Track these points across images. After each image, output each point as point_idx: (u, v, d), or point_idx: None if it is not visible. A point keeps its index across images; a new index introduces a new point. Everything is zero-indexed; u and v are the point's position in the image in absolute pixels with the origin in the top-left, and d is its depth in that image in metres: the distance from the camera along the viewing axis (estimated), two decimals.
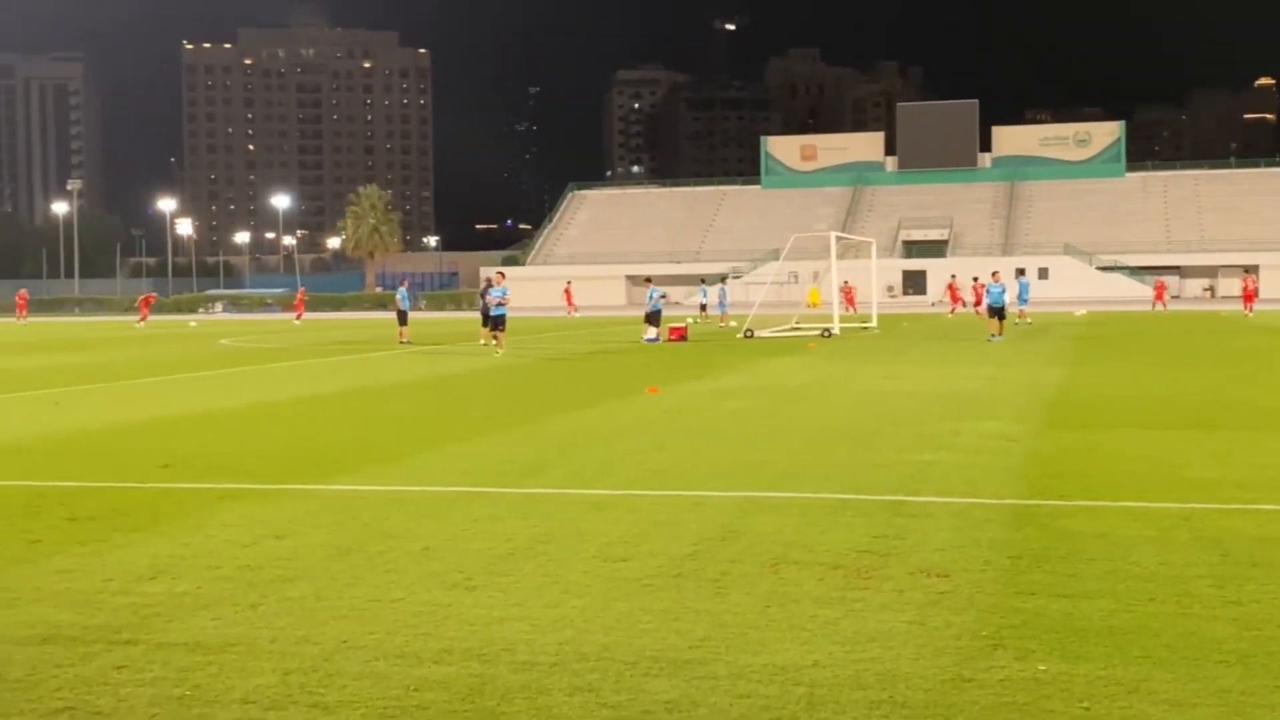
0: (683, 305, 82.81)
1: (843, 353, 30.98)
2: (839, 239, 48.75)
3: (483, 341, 33.49)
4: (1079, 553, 8.04)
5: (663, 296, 39.03)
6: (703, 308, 59.49)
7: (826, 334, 38.82)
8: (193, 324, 68.26)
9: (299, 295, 75.12)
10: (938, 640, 6.19)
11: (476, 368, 27.51)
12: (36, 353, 37.39)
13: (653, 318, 37.93)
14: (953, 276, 66.59)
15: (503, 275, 35.77)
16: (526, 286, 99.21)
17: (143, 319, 64.27)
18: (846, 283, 55.96)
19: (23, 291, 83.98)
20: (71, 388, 22.98)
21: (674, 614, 6.70)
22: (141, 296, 70.24)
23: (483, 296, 37.73)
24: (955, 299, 62.06)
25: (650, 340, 37.05)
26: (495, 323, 32.97)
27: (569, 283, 77.84)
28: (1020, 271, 71.67)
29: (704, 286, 61.25)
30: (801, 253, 65.53)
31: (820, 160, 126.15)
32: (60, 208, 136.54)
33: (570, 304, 72.00)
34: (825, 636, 6.27)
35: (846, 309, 52.36)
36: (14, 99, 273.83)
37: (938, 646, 6.09)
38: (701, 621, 6.55)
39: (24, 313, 78.89)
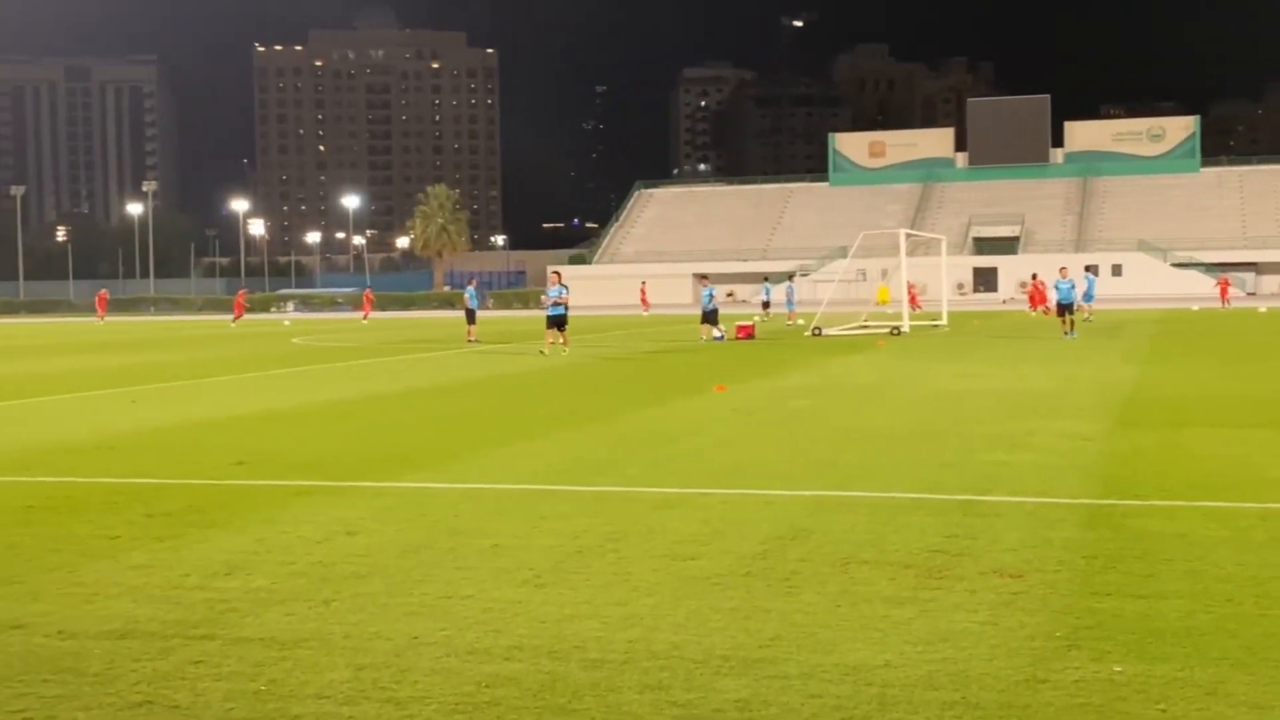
0: (750, 303, 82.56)
1: (912, 351, 30.77)
2: (908, 236, 48.40)
3: (542, 350, 31.55)
4: (1155, 553, 7.93)
5: (729, 295, 38.93)
6: (765, 305, 59.02)
7: (896, 332, 38.57)
8: (286, 323, 68.85)
9: (365, 295, 75.71)
10: (1011, 641, 6.13)
11: (543, 366, 27.61)
12: (115, 352, 38.01)
13: (710, 316, 37.61)
14: (1034, 275, 65.34)
15: (559, 275, 35.29)
16: (593, 285, 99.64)
17: (236, 318, 65.22)
18: (910, 285, 55.46)
19: (103, 292, 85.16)
20: (148, 386, 23.34)
21: (744, 612, 6.69)
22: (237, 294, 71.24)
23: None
24: (1040, 299, 60.16)
25: (716, 339, 37.01)
26: (556, 322, 32.06)
27: (644, 282, 77.72)
28: (1089, 269, 70.73)
29: (766, 284, 60.88)
30: (870, 250, 65.25)
31: (889, 157, 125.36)
32: (135, 209, 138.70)
33: (645, 303, 71.89)
34: (897, 636, 6.23)
35: (911, 308, 51.83)
36: (90, 101, 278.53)
37: (1011, 647, 6.03)
38: (772, 620, 6.53)
39: (104, 313, 79.96)
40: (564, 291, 32.71)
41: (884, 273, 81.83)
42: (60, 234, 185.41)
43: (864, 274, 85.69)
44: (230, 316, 67.62)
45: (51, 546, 8.65)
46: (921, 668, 5.73)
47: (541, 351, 31.22)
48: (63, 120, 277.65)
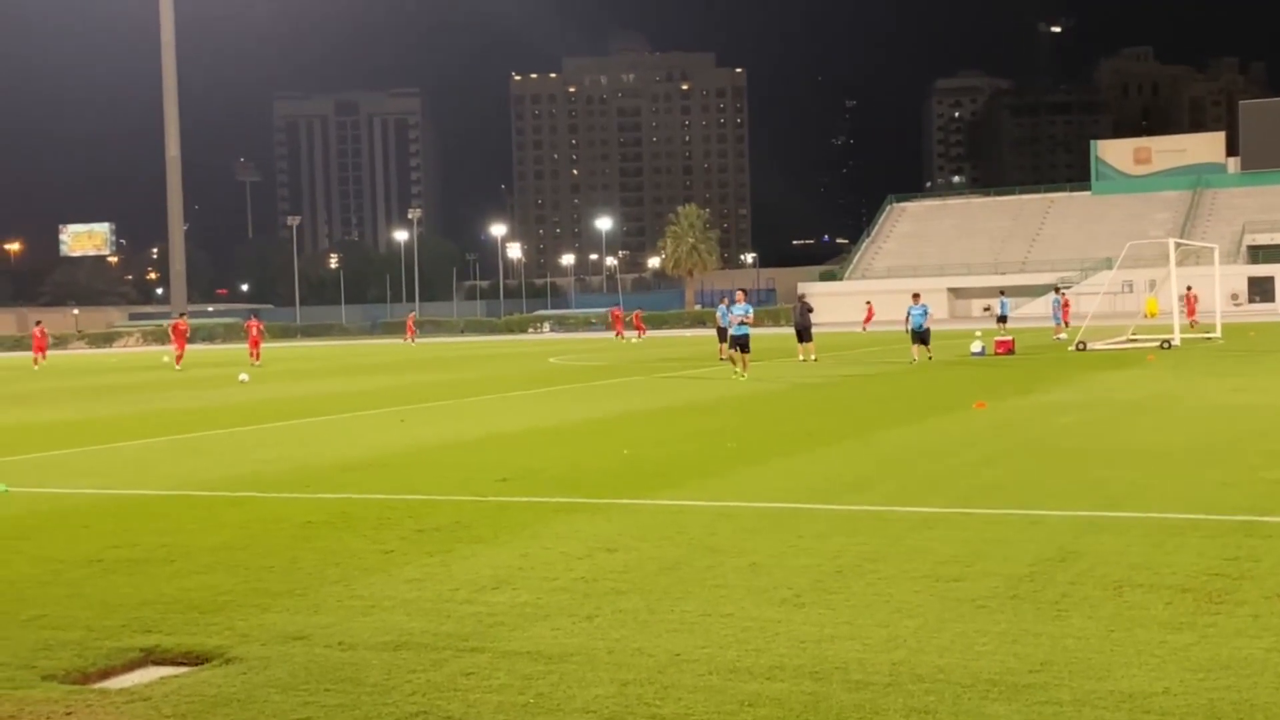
0: (1011, 318, 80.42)
1: (1184, 365, 29.45)
2: (1177, 245, 46.36)
3: (723, 358, 29.45)
4: None
5: (985, 309, 36.95)
6: (1001, 320, 56.74)
7: (1166, 345, 36.99)
8: (632, 337, 70.29)
9: (635, 316, 76.38)
10: None
11: (795, 383, 27.50)
12: (383, 373, 39.66)
13: (920, 336, 33.79)
14: None
15: (744, 293, 32.15)
16: (844, 301, 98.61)
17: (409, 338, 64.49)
18: (1190, 289, 52.67)
19: (412, 314, 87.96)
20: (415, 406, 24.26)
21: (1012, 636, 6.51)
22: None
23: (797, 314, 37.62)
24: None
25: (976, 354, 36.19)
26: (738, 343, 29.45)
27: (868, 302, 76.69)
28: None
29: (1003, 299, 58.62)
30: (1136, 260, 62.77)
31: (1155, 163, 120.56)
32: (402, 235, 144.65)
33: (868, 318, 71.40)
34: (1175, 663, 5.96)
35: (1187, 320, 49.29)
36: (360, 133, 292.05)
37: None
38: (1041, 645, 6.33)
39: (412, 335, 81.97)
40: (749, 310, 30.40)
41: (1151, 284, 78.62)
42: (333, 261, 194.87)
43: (1130, 285, 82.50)
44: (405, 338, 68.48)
45: (331, 561, 9.06)
46: (1202, 696, 5.47)
47: (736, 374, 28.74)
48: (334, 152, 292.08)
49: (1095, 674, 5.84)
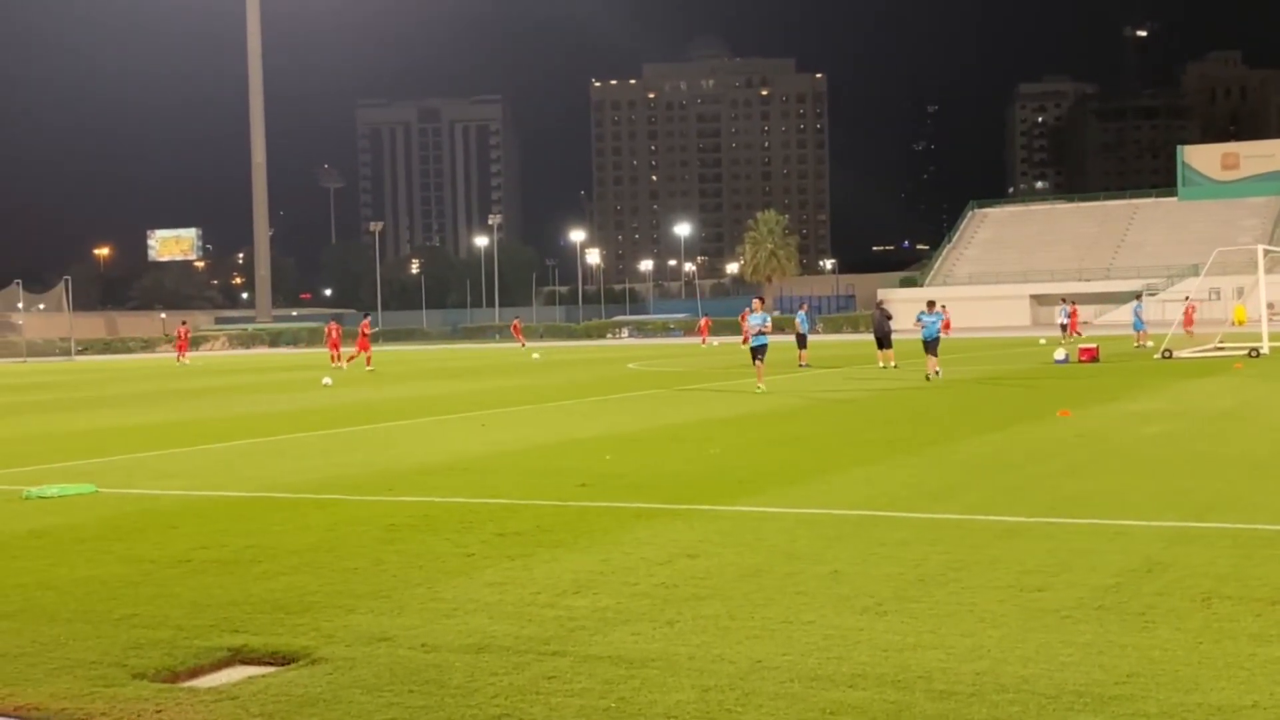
0: (1092, 324, 79.39)
1: (1273, 374, 28.88)
2: (1266, 252, 45.47)
3: (759, 388, 27.43)
4: None
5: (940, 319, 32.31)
6: (1063, 328, 55.54)
7: (1254, 354, 36.30)
8: (535, 355, 70.20)
9: (703, 322, 76.34)
10: None
11: (875, 389, 27.34)
12: (466, 378, 39.94)
13: (930, 345, 30.56)
14: None
15: (761, 301, 30.48)
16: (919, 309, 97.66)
17: (519, 343, 61.08)
18: (1188, 298, 50.64)
19: (516, 321, 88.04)
20: (496, 410, 24.42)
21: (1097, 647, 6.43)
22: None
23: (876, 321, 37.14)
24: None
25: (1060, 362, 35.79)
26: (758, 354, 28.15)
27: (944, 307, 75.47)
28: None
29: (1063, 305, 57.44)
30: (1224, 268, 61.68)
31: (1243, 169, 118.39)
32: (482, 241, 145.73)
33: (946, 327, 70.36)
34: (1265, 676, 5.86)
35: (1184, 331, 47.65)
36: (441, 140, 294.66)
37: None
38: (1128, 656, 6.26)
39: (521, 338, 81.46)
40: (766, 320, 28.78)
41: (1239, 291, 77.25)
42: (414, 266, 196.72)
43: (1218, 293, 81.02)
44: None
45: (414, 563, 9.15)
46: None
47: (758, 389, 27.32)
48: (415, 159, 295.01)
49: (1183, 686, 5.76)
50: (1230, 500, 10.96)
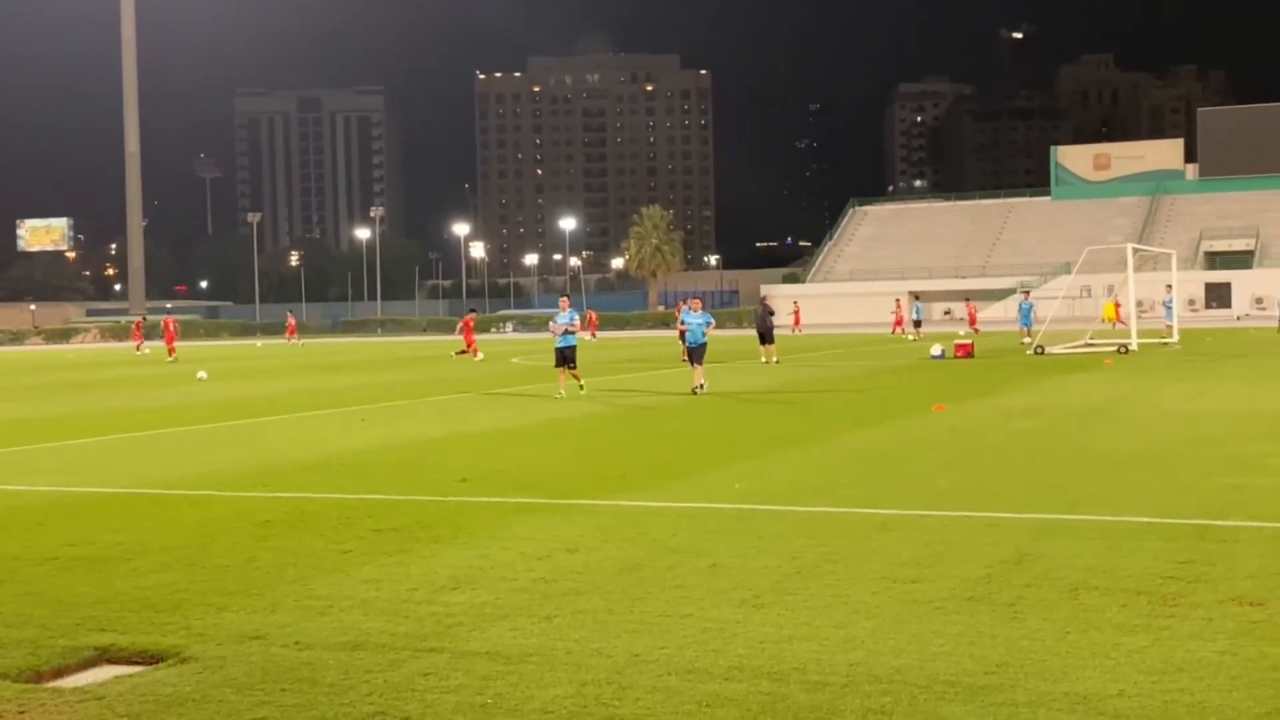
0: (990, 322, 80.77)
1: (1142, 370, 29.70)
2: (1135, 251, 46.73)
3: (558, 393, 24.75)
4: None
5: (945, 313, 34.13)
6: (916, 324, 58.95)
7: (1124, 350, 37.29)
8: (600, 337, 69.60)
9: (589, 316, 75.98)
10: (1252, 672, 5.86)
11: (757, 385, 27.54)
12: (345, 372, 39.45)
13: (696, 353, 26.53)
14: None
15: (567, 299, 27.44)
16: (807, 304, 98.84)
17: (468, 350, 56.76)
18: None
19: (468, 317, 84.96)
20: (376, 405, 24.14)
21: (968, 638, 6.55)
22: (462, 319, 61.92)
23: (758, 317, 37.43)
24: None
25: (936, 357, 36.41)
26: (564, 357, 25.06)
27: (795, 302, 76.41)
28: None
29: (916, 303, 60.02)
30: (1095, 266, 63.20)
31: (1114, 170, 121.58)
32: (364, 234, 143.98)
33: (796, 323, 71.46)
34: (1130, 665, 6.02)
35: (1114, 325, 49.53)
36: (322, 130, 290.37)
37: (1252, 679, 5.76)
38: (997, 646, 6.38)
39: (473, 342, 78.89)
40: (574, 318, 25.80)
41: (1109, 289, 79.30)
42: (293, 258, 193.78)
43: (1089, 290, 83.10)
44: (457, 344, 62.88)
45: (289, 560, 9.00)
46: (1157, 699, 5.52)
47: (558, 395, 24.65)
48: (295, 149, 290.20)
49: (1051, 676, 5.88)
50: (1098, 494, 11.23)
